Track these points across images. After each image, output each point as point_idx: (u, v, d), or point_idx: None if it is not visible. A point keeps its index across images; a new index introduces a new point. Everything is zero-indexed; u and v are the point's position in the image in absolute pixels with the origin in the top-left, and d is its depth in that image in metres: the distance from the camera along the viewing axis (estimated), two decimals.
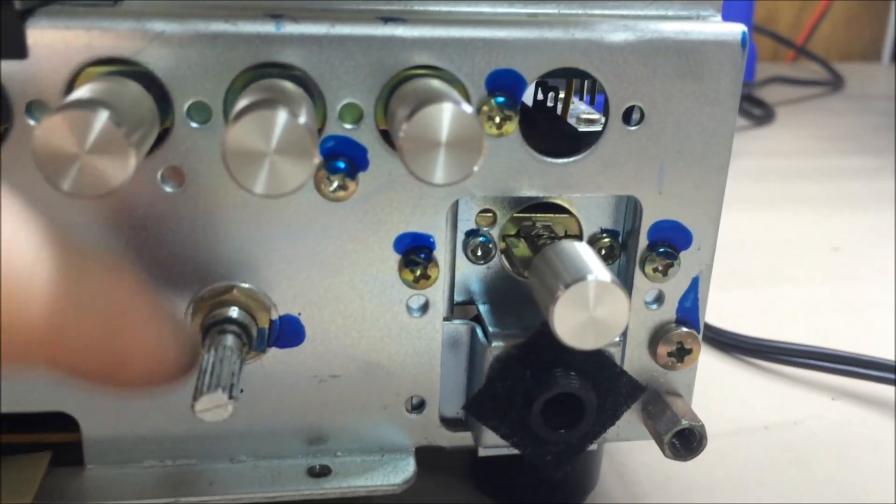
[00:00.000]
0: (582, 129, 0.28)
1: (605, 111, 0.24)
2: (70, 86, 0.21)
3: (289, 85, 0.21)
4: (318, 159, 0.19)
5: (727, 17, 0.24)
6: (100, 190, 0.18)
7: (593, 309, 0.21)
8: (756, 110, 0.89)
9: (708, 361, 0.41)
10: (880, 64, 1.30)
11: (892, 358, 0.38)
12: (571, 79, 0.29)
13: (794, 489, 0.32)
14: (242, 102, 0.19)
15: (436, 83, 0.21)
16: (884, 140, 0.84)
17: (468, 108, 0.19)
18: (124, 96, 0.19)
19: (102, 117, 0.17)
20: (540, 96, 0.31)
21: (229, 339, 0.21)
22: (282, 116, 0.18)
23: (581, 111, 0.30)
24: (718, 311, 0.43)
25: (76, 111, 0.17)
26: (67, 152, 0.18)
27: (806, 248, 0.56)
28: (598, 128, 0.27)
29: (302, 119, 0.18)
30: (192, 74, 0.21)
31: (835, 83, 1.06)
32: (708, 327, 0.42)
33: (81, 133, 0.17)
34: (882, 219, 0.61)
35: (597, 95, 0.30)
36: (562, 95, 0.30)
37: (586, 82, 0.30)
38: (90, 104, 0.18)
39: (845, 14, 1.26)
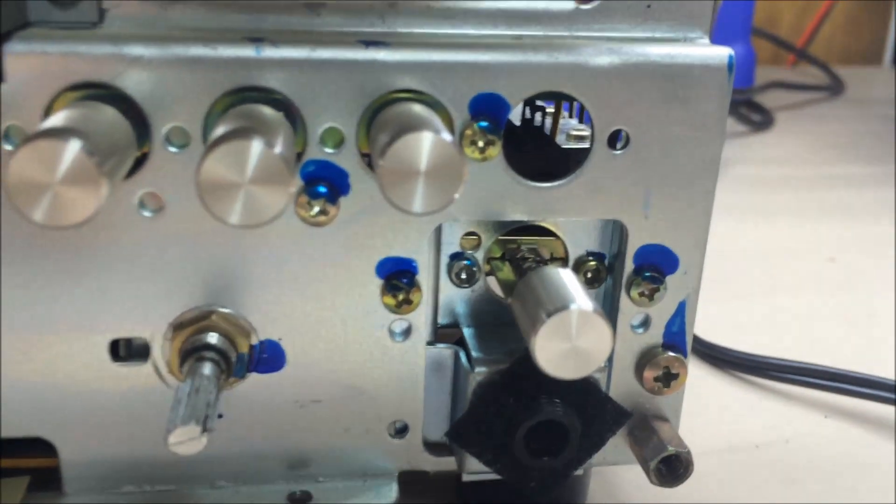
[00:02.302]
0: (571, 145, 0.28)
1: (592, 134, 0.23)
2: (48, 110, 0.21)
3: (267, 110, 0.20)
4: (294, 188, 0.18)
5: (727, 19, 0.23)
6: (72, 220, 0.18)
7: (576, 338, 0.21)
8: (755, 116, 0.88)
9: (699, 377, 0.41)
10: (881, 67, 1.29)
11: (888, 372, 0.38)
12: (559, 102, 0.28)
13: None
14: (218, 131, 0.19)
15: (417, 108, 0.21)
16: (884, 147, 0.83)
17: (447, 136, 0.19)
18: (99, 123, 0.19)
19: (74, 147, 0.17)
20: (527, 115, 0.30)
21: (207, 368, 0.21)
22: (256, 147, 0.18)
23: (571, 127, 0.30)
24: (712, 323, 0.43)
25: (47, 141, 0.17)
26: (39, 182, 0.17)
27: (802, 258, 0.55)
28: (587, 144, 0.27)
29: (277, 148, 0.18)
30: (171, 99, 0.21)
31: (835, 88, 1.05)
32: (700, 342, 0.42)
33: (53, 163, 0.17)
34: (880, 228, 0.61)
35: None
36: (550, 110, 0.29)
37: (575, 103, 0.30)
38: (62, 133, 0.17)
39: (846, 17, 1.26)
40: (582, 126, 0.30)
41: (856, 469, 0.34)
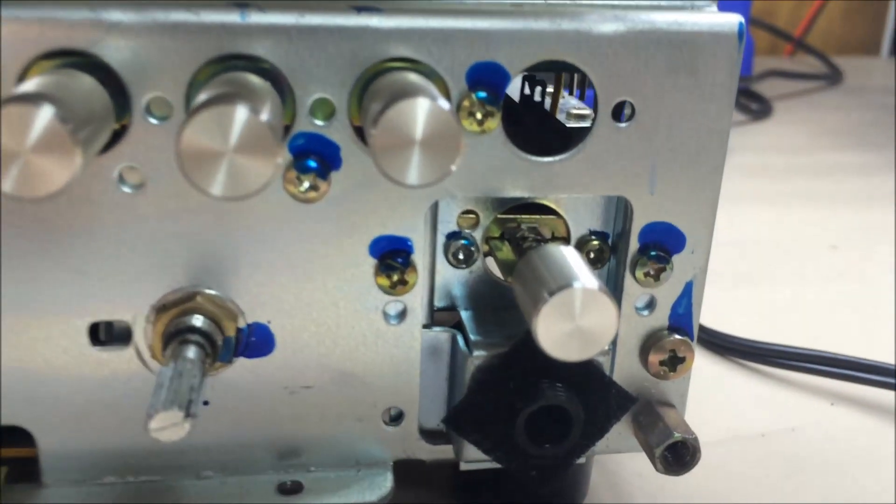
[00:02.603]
0: (571, 125, 0.27)
1: (595, 107, 0.22)
2: (21, 79, 0.19)
3: (254, 79, 0.19)
4: (281, 159, 0.17)
5: (724, 9, 0.22)
6: (43, 191, 0.16)
7: (579, 318, 0.20)
8: (753, 104, 0.88)
9: (703, 365, 0.40)
10: (879, 57, 1.28)
11: (891, 359, 0.37)
12: (560, 72, 0.27)
13: (793, 499, 0.30)
14: (203, 96, 0.18)
15: (412, 77, 0.20)
16: (883, 135, 0.82)
17: (444, 104, 0.18)
18: (74, 90, 0.18)
19: (47, 113, 0.16)
20: (527, 91, 0.29)
21: (191, 351, 0.20)
22: (241, 112, 0.17)
23: (571, 106, 0.29)
24: (714, 311, 0.42)
25: (19, 106, 0.16)
26: (9, 150, 0.16)
27: (803, 245, 0.55)
28: (588, 124, 0.26)
29: (264, 115, 0.17)
30: (151, 67, 0.20)
31: (833, 77, 1.05)
32: (703, 329, 0.41)
33: (24, 129, 0.16)
34: (880, 216, 0.60)
35: (587, 90, 0.28)
36: (550, 90, 0.28)
37: (576, 75, 0.29)
38: (34, 98, 0.16)
39: (844, 7, 1.25)
40: (583, 105, 0.29)
41: (863, 458, 0.33)
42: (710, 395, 0.37)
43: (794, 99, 0.96)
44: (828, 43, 1.22)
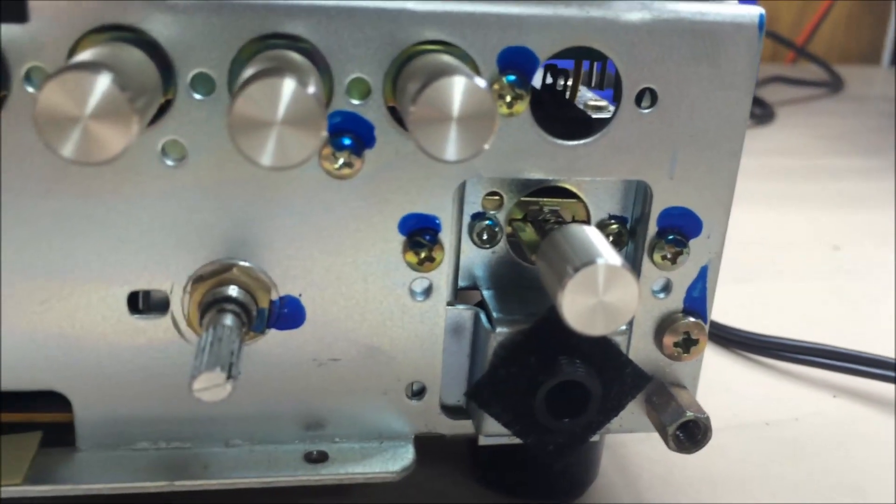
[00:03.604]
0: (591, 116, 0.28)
1: (616, 98, 0.23)
2: (72, 53, 0.20)
3: (296, 56, 0.20)
4: (325, 132, 0.18)
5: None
6: (101, 156, 0.17)
7: (603, 293, 0.20)
8: (756, 109, 0.88)
9: (708, 356, 0.40)
10: (880, 67, 1.29)
11: (893, 355, 0.38)
12: (580, 62, 0.28)
13: (795, 485, 0.31)
14: (249, 71, 0.18)
15: (447, 58, 0.21)
16: (883, 141, 0.83)
17: (481, 82, 0.18)
18: (127, 62, 0.19)
19: (106, 80, 0.17)
20: (549, 80, 0.30)
21: (228, 319, 0.21)
22: (290, 85, 0.17)
23: (588, 98, 0.29)
24: (719, 307, 0.43)
25: (80, 73, 0.17)
26: (69, 116, 0.17)
27: (806, 246, 0.55)
28: (607, 115, 0.27)
29: (311, 89, 0.18)
30: (197, 44, 0.20)
31: (834, 85, 1.06)
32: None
33: (84, 96, 0.17)
34: (881, 218, 0.61)
35: (605, 87, 0.29)
36: (569, 83, 0.29)
37: (595, 70, 0.30)
38: (94, 66, 0.17)
39: (846, 16, 1.26)
40: (599, 97, 0.29)
41: (864, 446, 0.34)
42: (716, 386, 0.38)
43: (795, 105, 0.97)
44: (829, 51, 1.23)
